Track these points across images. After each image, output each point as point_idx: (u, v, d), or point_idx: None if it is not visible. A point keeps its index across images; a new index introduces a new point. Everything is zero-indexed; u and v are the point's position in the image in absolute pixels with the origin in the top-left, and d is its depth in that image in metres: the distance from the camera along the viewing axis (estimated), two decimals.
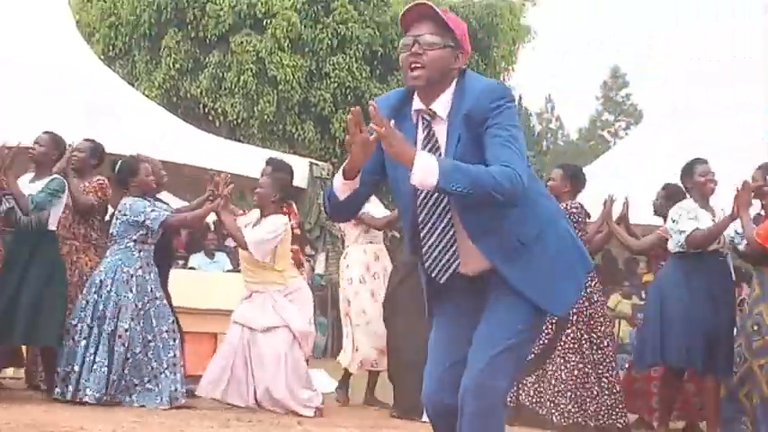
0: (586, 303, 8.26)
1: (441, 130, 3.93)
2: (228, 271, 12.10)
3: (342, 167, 3.93)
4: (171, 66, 20.79)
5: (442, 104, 3.93)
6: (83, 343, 7.96)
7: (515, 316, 3.92)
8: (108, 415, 7.38)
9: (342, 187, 3.93)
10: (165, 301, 8.29)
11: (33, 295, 7.86)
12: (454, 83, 3.95)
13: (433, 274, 4.00)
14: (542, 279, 3.94)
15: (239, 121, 20.33)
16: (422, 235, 3.98)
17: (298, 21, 20.39)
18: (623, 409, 8.25)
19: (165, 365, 8.06)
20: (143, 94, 17.66)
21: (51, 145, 8.20)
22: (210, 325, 9.82)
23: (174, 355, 8.13)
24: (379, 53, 21.04)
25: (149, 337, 8.09)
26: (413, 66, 3.89)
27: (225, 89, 20.52)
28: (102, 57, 18.91)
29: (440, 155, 3.89)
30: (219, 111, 20.55)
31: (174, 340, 8.19)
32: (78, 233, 8.48)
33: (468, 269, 4.00)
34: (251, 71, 20.11)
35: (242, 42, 20.23)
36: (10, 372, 8.83)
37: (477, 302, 4.00)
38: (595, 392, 8.14)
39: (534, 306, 3.93)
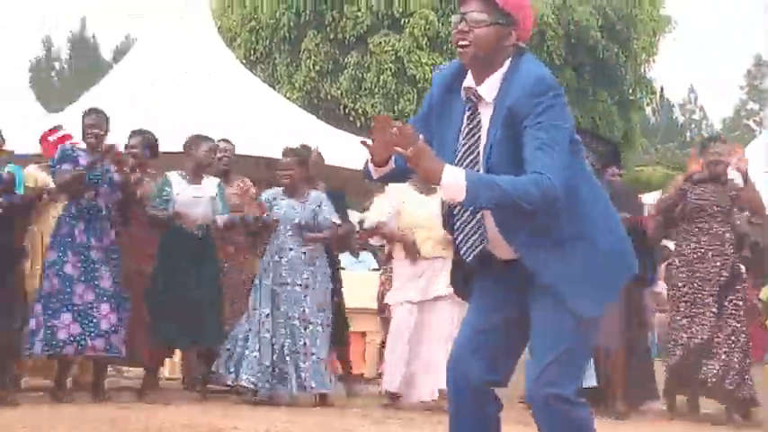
0: None
1: (485, 114, 3.83)
2: (374, 270, 12.13)
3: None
4: (311, 68, 20.99)
5: (489, 88, 3.81)
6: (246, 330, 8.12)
7: (559, 322, 3.79)
8: (261, 414, 7.46)
9: (375, 172, 3.92)
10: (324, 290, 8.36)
11: (195, 298, 8.03)
12: (507, 64, 3.82)
13: (461, 252, 3.93)
14: (573, 278, 3.79)
15: None
16: (454, 212, 3.92)
17: (435, 19, 20.40)
18: None
19: (316, 357, 8.11)
20: (284, 96, 17.87)
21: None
22: (359, 324, 9.87)
23: (324, 348, 8.17)
24: None
25: (302, 327, 8.16)
26: (459, 43, 3.79)
27: (365, 89, 20.63)
28: (243, 61, 19.19)
29: (478, 138, 3.81)
30: (360, 111, 20.68)
31: (324, 332, 8.23)
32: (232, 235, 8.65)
33: (499, 253, 3.91)
34: (390, 71, 20.19)
35: (380, 42, 20.32)
36: (166, 372, 9.01)
37: (514, 285, 3.88)
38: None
39: (570, 308, 3.78)
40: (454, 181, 3.61)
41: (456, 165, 3.75)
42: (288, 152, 8.48)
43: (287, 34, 21.08)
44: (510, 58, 3.82)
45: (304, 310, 8.19)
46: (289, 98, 18.23)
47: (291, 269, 8.26)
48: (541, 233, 3.76)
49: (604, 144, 8.91)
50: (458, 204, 3.71)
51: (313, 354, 8.14)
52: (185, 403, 7.97)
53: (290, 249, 8.31)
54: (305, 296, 8.22)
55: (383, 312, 9.05)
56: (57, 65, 57.72)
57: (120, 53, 54.36)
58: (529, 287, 3.84)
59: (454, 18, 3.85)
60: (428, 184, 3.74)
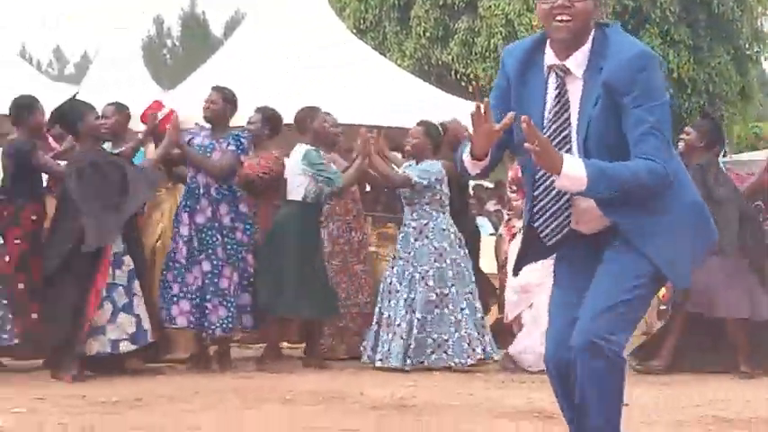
0: None
1: (574, 89, 3.77)
2: (491, 235, 12.08)
3: (468, 149, 3.86)
4: (421, 35, 20.97)
5: (577, 61, 3.75)
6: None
7: (632, 272, 3.74)
8: (385, 379, 7.51)
9: (472, 166, 3.89)
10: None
11: (313, 268, 8.11)
12: (591, 37, 3.76)
13: (542, 234, 3.87)
14: (668, 248, 3.75)
15: (491, 85, 20.27)
16: (535, 194, 3.85)
17: None
18: None
19: (455, 328, 8.12)
20: (395, 64, 17.87)
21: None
22: None
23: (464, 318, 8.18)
24: (630, 6, 20.58)
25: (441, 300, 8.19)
26: (559, 18, 3.71)
27: (475, 54, 20.55)
28: (353, 30, 19.24)
29: (569, 115, 3.76)
30: (471, 76, 20.59)
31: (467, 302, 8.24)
32: (349, 208, 8.69)
33: (585, 228, 3.86)
34: (500, 34, 20.07)
35: (490, 6, 20.20)
36: (286, 344, 9.11)
37: (591, 262, 3.83)
38: None
39: (655, 268, 3.75)
40: (574, 172, 3.61)
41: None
42: (420, 122, 8.52)
43: (396, 2, 21.10)
44: (593, 31, 3.77)
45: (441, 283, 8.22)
46: (399, 65, 18.22)
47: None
48: (639, 207, 3.74)
49: (709, 121, 8.70)
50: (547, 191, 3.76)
51: (457, 327, 8.15)
52: (310, 372, 8.05)
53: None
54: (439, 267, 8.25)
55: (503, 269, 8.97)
56: (168, 42, 58.57)
57: (229, 29, 54.96)
58: (606, 251, 3.81)
59: None
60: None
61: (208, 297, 7.79)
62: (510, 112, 3.72)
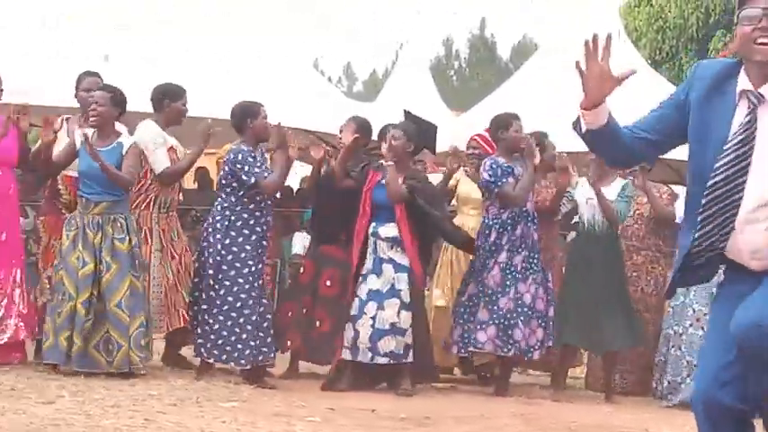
0: None
1: (765, 118, 3.53)
2: None
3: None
4: None
5: None
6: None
7: None
8: (668, 417, 7.35)
9: (585, 118, 3.67)
10: None
11: (604, 300, 8.03)
12: None
13: (694, 250, 3.62)
14: None
15: None
16: (704, 201, 3.58)
17: None
18: None
19: None
20: None
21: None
22: None
23: None
24: None
25: None
26: (761, 40, 3.50)
27: None
28: (648, 60, 18.95)
29: (753, 145, 3.51)
30: None
31: None
32: (650, 243, 8.54)
33: (757, 265, 3.57)
34: None
35: None
36: (578, 371, 9.07)
37: None
38: None
39: None
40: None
41: (724, 171, 3.53)
42: None
43: (695, 34, 20.65)
44: None
45: None
46: None
47: None
48: None
49: None
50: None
51: None
52: (592, 403, 7.98)
53: None
54: None
55: None
56: (456, 64, 59.32)
57: (516, 52, 55.28)
58: None
59: (752, 12, 3.58)
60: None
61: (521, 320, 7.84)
62: (630, 69, 3.59)
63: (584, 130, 3.73)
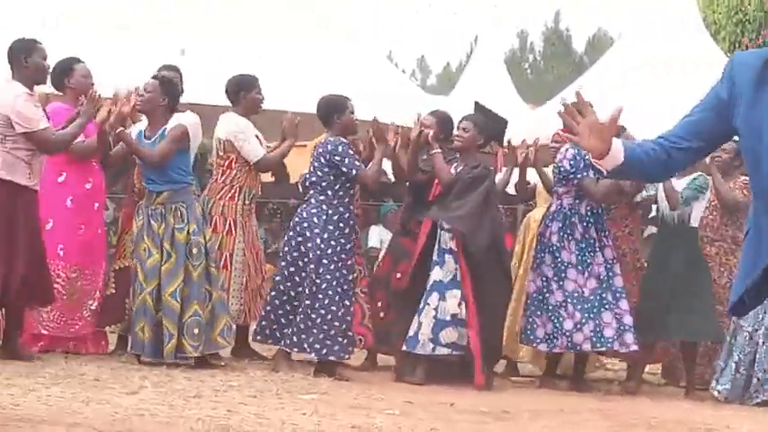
0: None
1: None
2: None
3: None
4: None
5: None
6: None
7: None
8: (751, 414, 7.27)
9: (600, 165, 3.54)
10: None
11: (680, 292, 7.96)
12: None
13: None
14: None
15: None
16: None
17: None
18: None
19: None
20: None
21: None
22: None
23: None
24: None
25: None
26: None
27: None
28: (727, 54, 18.72)
29: None
30: None
31: None
32: (726, 234, 8.43)
33: None
34: None
35: None
36: (653, 368, 9.02)
37: None
38: None
39: None
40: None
41: None
42: None
43: None
44: None
45: None
46: None
47: None
48: None
49: None
50: None
51: None
52: (671, 399, 7.91)
53: None
54: None
55: None
56: (530, 57, 59.01)
57: (591, 45, 54.81)
58: None
59: None
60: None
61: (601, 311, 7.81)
62: (618, 106, 3.46)
63: (604, 173, 3.68)
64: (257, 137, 8.01)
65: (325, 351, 7.46)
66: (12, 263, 6.96)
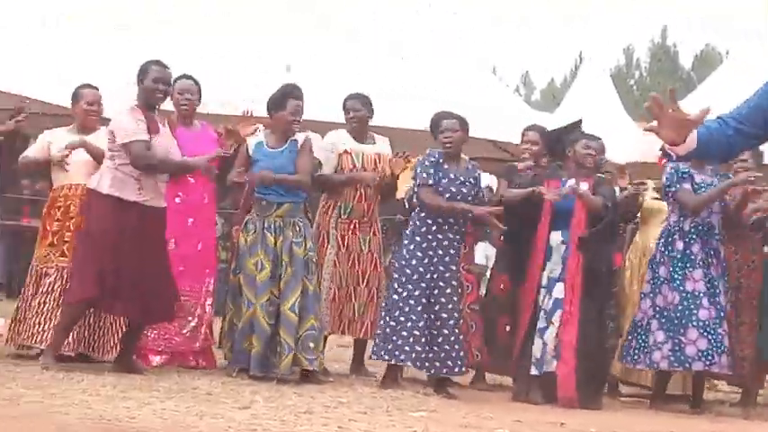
0: None
1: None
2: None
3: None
4: None
5: None
6: None
7: None
8: None
9: (674, 151, 3.61)
10: None
11: None
12: None
13: None
14: None
15: None
16: None
17: None
18: None
19: None
20: None
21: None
22: None
23: None
24: None
25: None
26: None
27: None
28: None
29: None
30: None
31: None
32: None
33: None
34: None
35: None
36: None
37: None
38: None
39: None
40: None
41: None
42: None
43: None
44: None
45: None
46: None
47: None
48: None
49: None
50: None
51: None
52: None
53: None
54: None
55: None
56: (636, 73, 58.39)
57: (699, 61, 54.05)
58: None
59: None
60: None
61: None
62: (705, 108, 3.52)
63: (674, 157, 3.73)
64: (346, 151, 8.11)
65: (446, 370, 7.48)
66: (118, 273, 7.06)
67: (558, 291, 7.63)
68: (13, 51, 10.07)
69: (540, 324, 7.61)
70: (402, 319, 7.44)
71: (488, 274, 10.59)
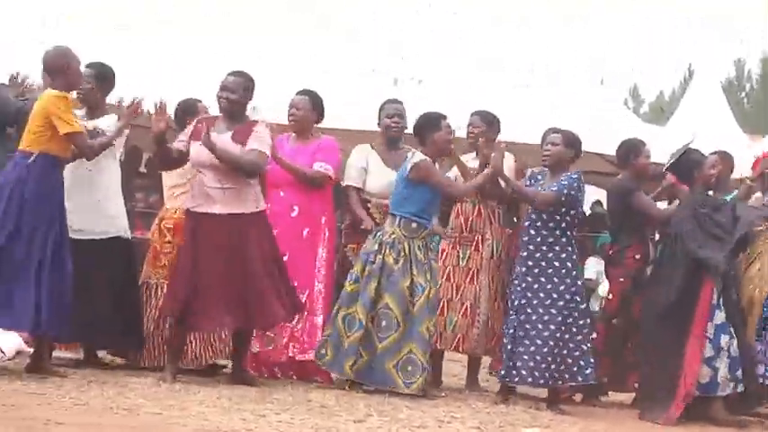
0: None
1: None
2: None
3: None
4: None
5: None
6: None
7: None
8: None
9: None
10: None
11: None
12: None
13: None
14: None
15: None
16: None
17: None
18: None
19: None
20: None
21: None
22: None
23: None
24: None
25: None
26: None
27: None
28: None
29: None
30: None
31: None
32: None
33: None
34: None
35: None
36: None
37: None
38: None
39: None
40: None
41: None
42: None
43: None
44: None
45: None
46: None
47: None
48: None
49: None
50: None
51: None
52: None
53: None
54: None
55: None
56: (747, 86, 57.39)
57: None
58: None
59: None
60: None
61: None
62: None
63: None
64: None
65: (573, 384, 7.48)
66: (196, 285, 7.10)
67: (718, 317, 7.56)
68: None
69: (708, 353, 7.51)
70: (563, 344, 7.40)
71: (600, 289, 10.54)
